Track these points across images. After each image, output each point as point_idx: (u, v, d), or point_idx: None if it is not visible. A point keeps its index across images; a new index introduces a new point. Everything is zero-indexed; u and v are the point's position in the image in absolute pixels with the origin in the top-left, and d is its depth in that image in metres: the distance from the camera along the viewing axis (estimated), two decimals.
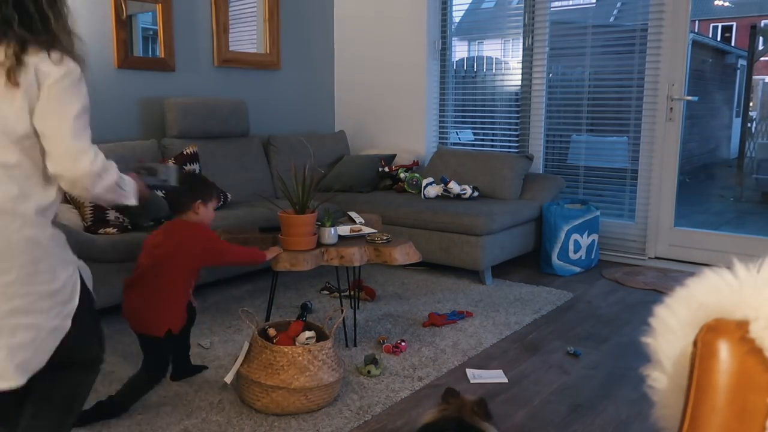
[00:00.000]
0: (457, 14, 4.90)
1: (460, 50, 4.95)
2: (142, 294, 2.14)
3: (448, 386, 1.81)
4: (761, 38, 7.87)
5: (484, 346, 2.74)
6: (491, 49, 4.78)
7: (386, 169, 4.52)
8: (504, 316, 3.11)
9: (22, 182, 1.42)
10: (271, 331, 2.27)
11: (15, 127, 1.40)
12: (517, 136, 4.61)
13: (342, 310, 2.35)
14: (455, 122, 4.96)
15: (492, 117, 4.79)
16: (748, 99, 7.90)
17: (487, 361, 2.60)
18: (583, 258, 3.93)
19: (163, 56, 3.98)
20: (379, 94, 5.00)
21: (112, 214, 3.04)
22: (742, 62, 10.44)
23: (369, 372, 2.40)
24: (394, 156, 4.69)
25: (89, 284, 1.66)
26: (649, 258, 4.14)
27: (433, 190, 4.08)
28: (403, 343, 2.68)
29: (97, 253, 2.83)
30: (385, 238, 2.71)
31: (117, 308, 3.12)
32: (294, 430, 2.03)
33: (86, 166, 1.46)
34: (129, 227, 3.06)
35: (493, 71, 4.75)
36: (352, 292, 3.07)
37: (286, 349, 2.09)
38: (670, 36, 3.87)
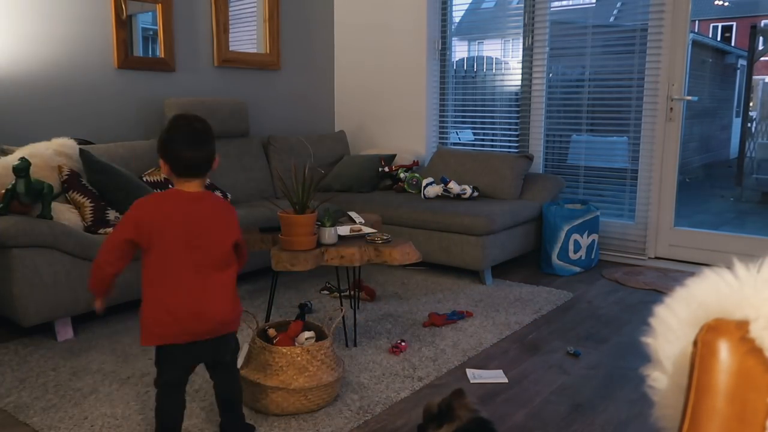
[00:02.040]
0: (457, 14, 4.90)
1: (460, 50, 4.95)
2: None
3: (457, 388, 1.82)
4: (761, 38, 7.87)
5: (484, 346, 2.74)
6: (491, 49, 4.78)
7: (386, 169, 4.51)
8: (504, 316, 3.11)
9: None
10: (271, 332, 2.27)
11: None
12: (517, 136, 4.61)
13: (342, 310, 2.35)
14: (455, 122, 4.96)
15: (492, 117, 4.79)
16: (748, 99, 7.90)
17: (487, 361, 2.60)
18: (583, 258, 3.93)
19: (163, 56, 3.98)
20: (379, 94, 5.00)
21: (112, 215, 3.04)
22: (742, 62, 10.44)
23: None
24: (394, 156, 4.69)
25: None
26: (649, 258, 4.14)
27: (433, 190, 4.08)
28: (403, 343, 2.68)
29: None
30: (385, 238, 2.71)
31: (117, 308, 3.13)
32: (294, 430, 2.03)
33: None
34: None
35: (493, 71, 4.75)
36: (352, 292, 3.07)
37: (284, 350, 2.09)
38: (670, 36, 3.87)
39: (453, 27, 4.87)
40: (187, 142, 1.76)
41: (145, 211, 1.77)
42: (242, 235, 1.89)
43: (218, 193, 3.71)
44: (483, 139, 4.88)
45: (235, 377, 1.93)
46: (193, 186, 1.80)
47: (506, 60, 4.68)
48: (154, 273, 1.76)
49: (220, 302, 1.79)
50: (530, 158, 4.19)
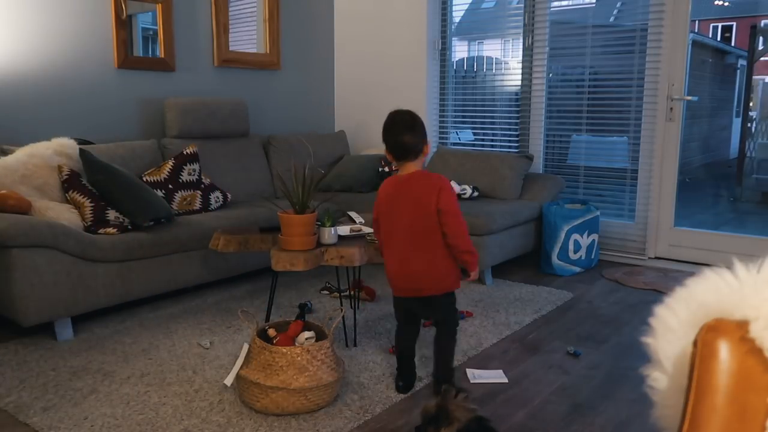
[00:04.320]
0: (457, 14, 4.90)
1: (460, 50, 4.95)
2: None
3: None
4: (761, 38, 7.87)
5: (484, 346, 2.74)
6: (491, 49, 4.78)
7: (386, 169, 4.51)
8: (504, 316, 3.11)
9: None
10: (271, 332, 2.27)
11: None
12: (517, 136, 4.61)
13: (342, 310, 2.35)
14: (455, 122, 4.96)
15: (492, 117, 4.79)
16: (748, 99, 7.90)
17: (487, 361, 2.60)
18: (583, 258, 3.93)
19: (163, 56, 3.98)
20: (379, 93, 5.00)
21: (112, 214, 3.04)
22: (742, 62, 10.44)
23: None
24: None
25: None
26: (649, 258, 4.14)
27: None
28: None
29: (97, 253, 2.83)
30: None
31: (118, 308, 3.13)
32: (294, 430, 2.03)
33: None
34: (129, 227, 3.06)
35: (493, 71, 4.75)
36: (352, 292, 3.07)
37: (284, 350, 2.09)
38: (670, 36, 3.87)
39: (453, 27, 4.87)
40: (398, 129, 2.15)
41: (378, 193, 2.24)
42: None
43: (218, 193, 3.71)
44: (483, 139, 4.88)
45: (441, 336, 2.26)
46: (406, 168, 2.18)
47: (506, 60, 4.68)
48: (382, 241, 2.25)
49: (421, 266, 2.14)
50: (530, 158, 4.19)
